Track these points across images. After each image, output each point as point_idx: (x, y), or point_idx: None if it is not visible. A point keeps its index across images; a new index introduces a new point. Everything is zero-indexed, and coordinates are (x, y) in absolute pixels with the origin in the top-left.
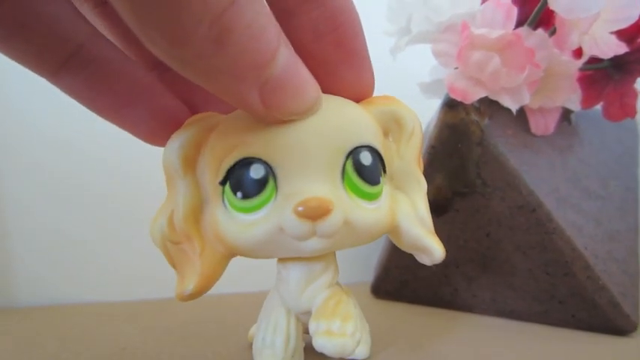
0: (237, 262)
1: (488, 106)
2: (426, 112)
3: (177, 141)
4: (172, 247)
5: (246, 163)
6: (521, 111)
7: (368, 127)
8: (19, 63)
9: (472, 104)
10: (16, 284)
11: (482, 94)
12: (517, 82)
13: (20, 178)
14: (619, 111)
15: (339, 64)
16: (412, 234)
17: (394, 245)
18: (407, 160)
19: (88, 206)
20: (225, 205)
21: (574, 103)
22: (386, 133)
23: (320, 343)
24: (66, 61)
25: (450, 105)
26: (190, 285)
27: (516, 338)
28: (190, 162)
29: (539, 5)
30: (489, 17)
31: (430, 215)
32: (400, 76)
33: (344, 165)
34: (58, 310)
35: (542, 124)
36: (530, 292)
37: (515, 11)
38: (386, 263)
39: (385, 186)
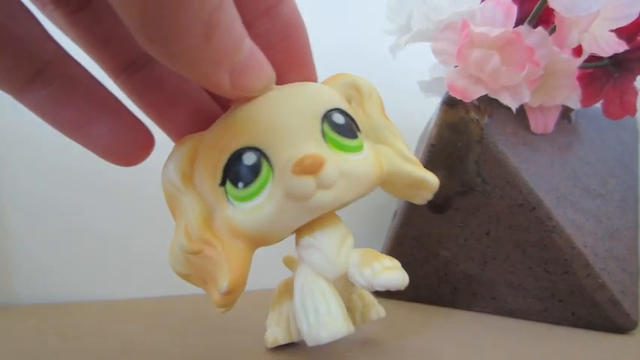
0: None
1: (488, 104)
2: (425, 111)
3: (171, 163)
4: (195, 259)
5: (237, 155)
6: (521, 109)
7: (332, 95)
8: None
9: (472, 102)
10: (17, 282)
11: (482, 93)
12: (517, 80)
13: (21, 176)
14: (619, 109)
15: (288, 69)
16: (404, 171)
17: (394, 244)
18: (374, 115)
19: (89, 204)
20: (231, 203)
21: (574, 101)
22: (349, 101)
23: (385, 279)
24: (30, 79)
25: (450, 103)
26: (224, 282)
27: (516, 336)
28: (188, 177)
29: (539, 3)
30: (489, 15)
31: (413, 153)
32: (400, 74)
33: (322, 128)
34: (59, 307)
35: (542, 123)
36: (530, 291)
37: (514, 9)
38: None
39: (365, 142)
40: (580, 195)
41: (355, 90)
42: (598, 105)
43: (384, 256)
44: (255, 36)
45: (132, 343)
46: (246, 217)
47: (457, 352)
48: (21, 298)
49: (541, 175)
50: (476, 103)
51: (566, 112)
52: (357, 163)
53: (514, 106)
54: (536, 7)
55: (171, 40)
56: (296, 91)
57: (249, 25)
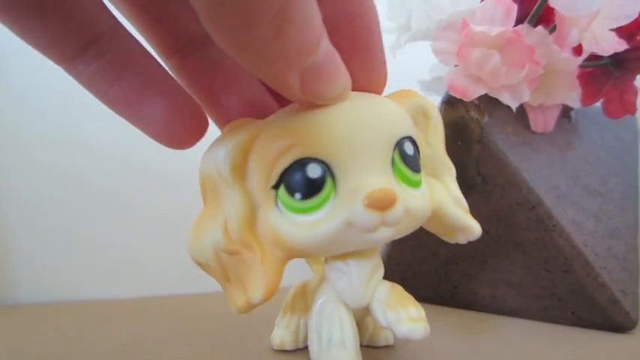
0: None
1: (488, 103)
2: None
3: (223, 149)
4: (228, 259)
5: (301, 164)
6: (521, 108)
7: (406, 119)
8: (36, 49)
9: (472, 102)
10: (16, 281)
11: (482, 92)
12: (517, 79)
13: (22, 175)
14: (619, 108)
15: (352, 58)
16: (451, 214)
17: (394, 242)
18: (435, 148)
19: (89, 203)
20: (279, 209)
21: (574, 100)
22: (414, 125)
23: (406, 330)
24: (83, 49)
25: (450, 102)
26: (258, 293)
27: (516, 335)
28: (239, 169)
29: (539, 2)
30: (489, 14)
31: (463, 196)
32: (400, 73)
33: (393, 156)
34: (58, 307)
35: (542, 122)
36: (530, 290)
37: (514, 8)
38: (385, 261)
39: (422, 173)
40: (580, 194)
41: (423, 115)
42: (598, 104)
43: (410, 301)
44: None
45: (131, 342)
46: (298, 231)
47: (457, 351)
48: (20, 297)
49: (541, 174)
50: (476, 102)
51: (566, 111)
52: (419, 200)
53: (514, 106)
54: (536, 7)
55: (239, 29)
56: (374, 109)
57: None
